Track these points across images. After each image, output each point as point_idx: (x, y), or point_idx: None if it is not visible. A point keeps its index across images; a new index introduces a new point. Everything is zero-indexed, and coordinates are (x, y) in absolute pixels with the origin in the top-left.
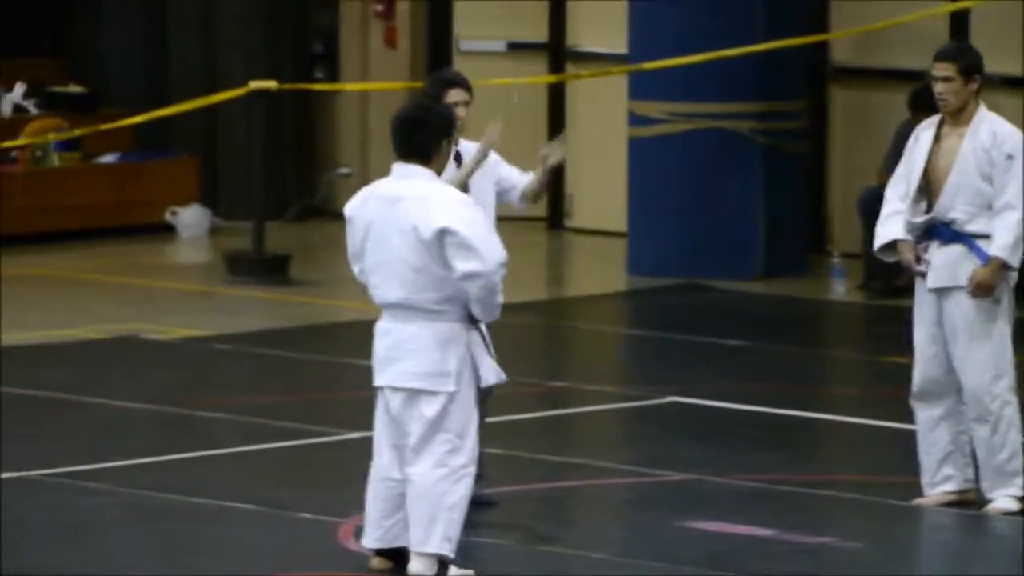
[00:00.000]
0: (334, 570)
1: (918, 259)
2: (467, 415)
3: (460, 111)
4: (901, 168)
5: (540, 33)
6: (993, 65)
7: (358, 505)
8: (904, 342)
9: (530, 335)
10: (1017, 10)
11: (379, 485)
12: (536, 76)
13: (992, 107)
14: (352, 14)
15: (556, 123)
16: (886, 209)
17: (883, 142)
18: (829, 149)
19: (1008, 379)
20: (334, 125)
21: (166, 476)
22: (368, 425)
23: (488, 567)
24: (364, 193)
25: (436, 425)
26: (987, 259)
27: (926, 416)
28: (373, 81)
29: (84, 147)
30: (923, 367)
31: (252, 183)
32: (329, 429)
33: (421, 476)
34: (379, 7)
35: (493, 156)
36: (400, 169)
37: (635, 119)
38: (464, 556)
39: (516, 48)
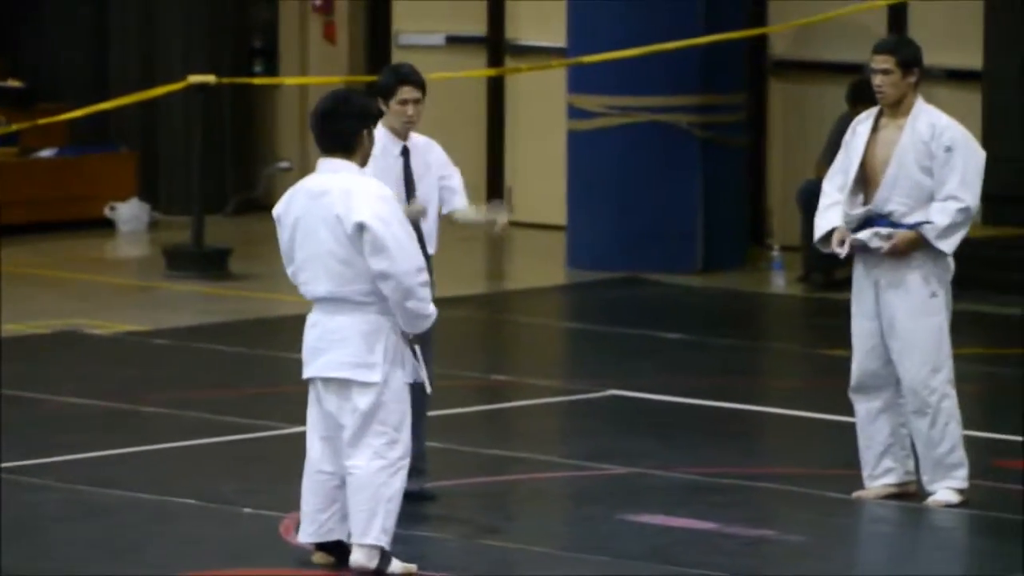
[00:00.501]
0: (276, 564)
1: (842, 240)
2: (402, 408)
3: (410, 109)
4: (839, 161)
5: (479, 27)
6: (933, 58)
7: (300, 500)
8: (844, 335)
9: (470, 329)
10: (954, 3)
11: (312, 479)
12: (475, 70)
13: (932, 100)
14: (291, 8)
15: (495, 117)
16: (824, 201)
17: (822, 135)
18: (768, 142)
19: (945, 372)
20: (273, 119)
21: (108, 471)
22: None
23: (429, 561)
24: (290, 191)
25: (371, 417)
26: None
27: (865, 409)
28: (312, 75)
29: (22, 142)
30: (861, 360)
31: (191, 177)
32: (270, 423)
33: (359, 468)
34: (318, 2)
35: (439, 153)
36: (325, 164)
37: (574, 113)
38: (405, 550)
39: (455, 42)
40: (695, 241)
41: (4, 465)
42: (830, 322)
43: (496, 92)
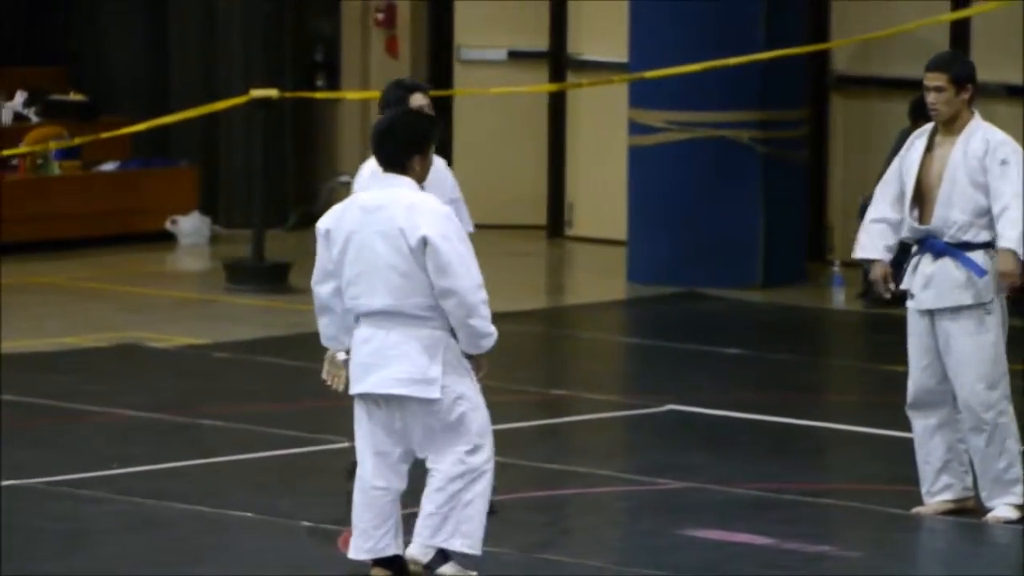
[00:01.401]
0: None
1: (886, 279)
2: (482, 415)
3: None
4: (891, 171)
5: (541, 41)
6: (993, 74)
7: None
8: (903, 350)
9: (530, 343)
10: (1017, 18)
11: (365, 495)
12: (537, 84)
13: (992, 116)
14: (353, 22)
15: (557, 131)
16: (873, 212)
17: (884, 150)
18: (830, 158)
19: (1002, 388)
20: (334, 133)
21: (166, 484)
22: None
23: (487, 575)
24: (341, 206)
25: (453, 430)
26: (982, 273)
27: (922, 425)
28: (374, 89)
29: (84, 155)
30: (916, 377)
31: (252, 191)
32: (329, 437)
33: (439, 472)
34: (380, 15)
35: (450, 176)
36: (381, 179)
37: (635, 128)
38: (463, 563)
39: (517, 56)
40: (755, 256)
41: (63, 477)
42: (889, 338)
43: (557, 107)
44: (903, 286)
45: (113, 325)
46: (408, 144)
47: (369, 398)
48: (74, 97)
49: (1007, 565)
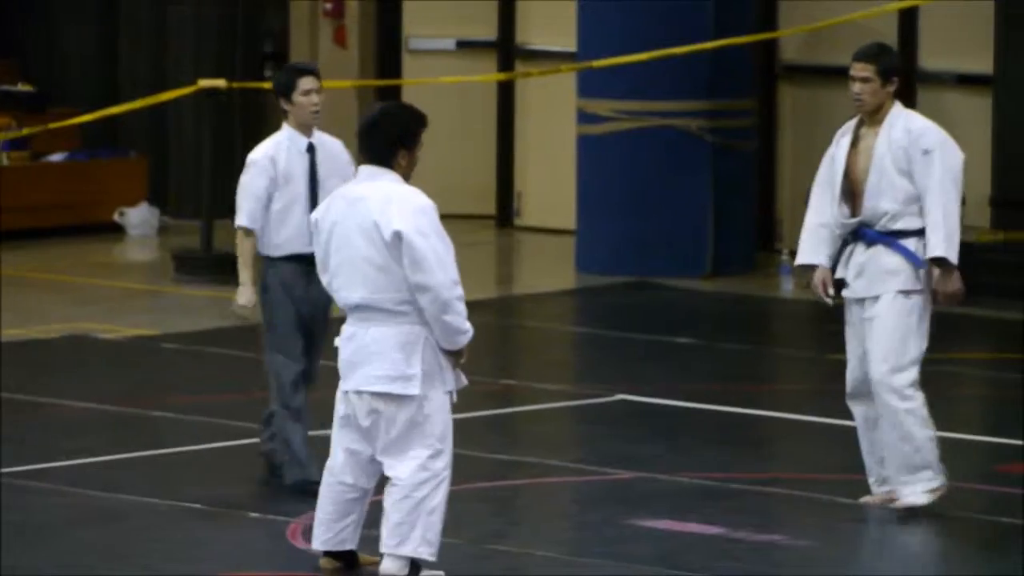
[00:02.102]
0: (283, 569)
1: (825, 285)
2: (444, 419)
3: (314, 97)
4: (823, 173)
5: (490, 31)
6: (941, 62)
7: (307, 504)
8: None
9: (479, 333)
10: (965, 7)
11: (332, 488)
12: (485, 74)
13: (940, 104)
14: (302, 13)
15: (505, 121)
16: (815, 217)
17: (831, 140)
18: (778, 147)
19: (909, 374)
20: (283, 124)
21: (116, 475)
22: (316, 424)
23: (438, 566)
24: (330, 197)
25: (417, 428)
26: (918, 260)
27: (862, 415)
28: (322, 80)
29: (33, 146)
30: (854, 367)
31: (201, 182)
32: None
33: (401, 480)
34: (328, 6)
35: (347, 155)
36: (365, 171)
37: (584, 117)
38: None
39: (465, 46)
40: (704, 245)
41: (12, 470)
42: (839, 327)
43: (506, 97)
44: (837, 275)
45: (62, 316)
46: (393, 138)
47: (351, 395)
48: (22, 88)
49: (954, 554)
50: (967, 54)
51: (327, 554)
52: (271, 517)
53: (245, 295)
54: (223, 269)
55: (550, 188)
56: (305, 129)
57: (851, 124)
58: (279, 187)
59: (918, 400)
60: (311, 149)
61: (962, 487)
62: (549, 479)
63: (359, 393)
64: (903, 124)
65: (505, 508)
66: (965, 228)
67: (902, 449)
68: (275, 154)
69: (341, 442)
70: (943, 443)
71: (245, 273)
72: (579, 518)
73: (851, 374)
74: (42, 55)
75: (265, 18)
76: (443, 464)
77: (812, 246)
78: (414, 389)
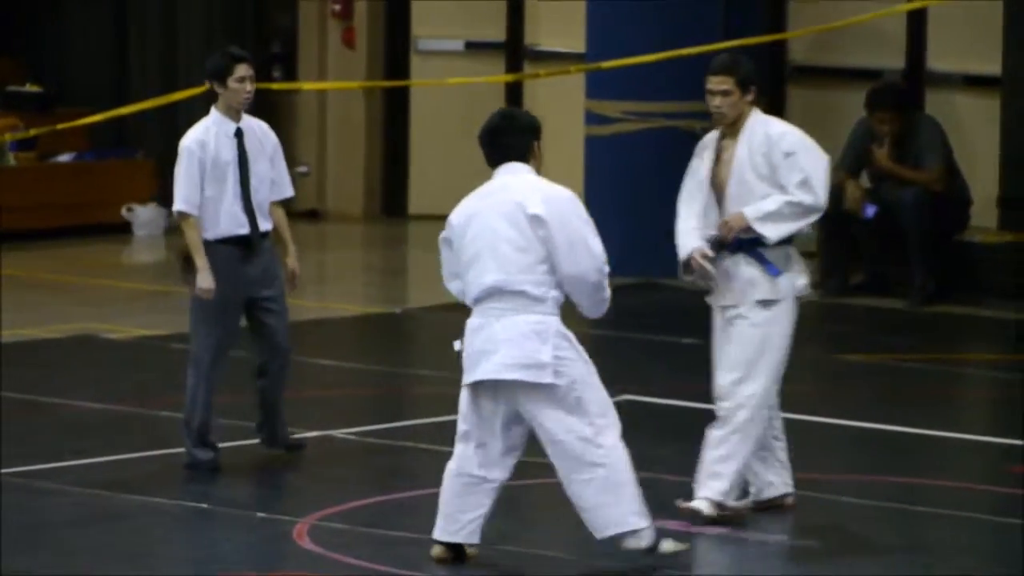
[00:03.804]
0: (291, 569)
1: (704, 257)
2: (600, 394)
3: (248, 85)
4: (687, 187)
5: (498, 32)
6: (950, 63)
7: (315, 504)
8: (858, 340)
9: None
10: (973, 8)
11: (458, 479)
12: (494, 75)
13: (950, 105)
14: (310, 14)
15: None
16: (681, 225)
17: (840, 141)
18: None
19: (754, 386)
20: (292, 124)
21: (124, 475)
22: (323, 424)
23: (443, 566)
24: (462, 202)
25: (575, 411)
26: (776, 271)
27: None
28: (331, 80)
29: (41, 147)
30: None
31: None
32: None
33: (606, 462)
34: (337, 7)
35: (274, 139)
36: (503, 168)
37: (593, 118)
38: (415, 553)
39: (474, 47)
40: None
41: (18, 469)
42: (845, 327)
43: (514, 97)
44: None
45: (69, 317)
46: (528, 131)
47: (480, 387)
48: (31, 88)
49: (963, 554)
50: (975, 55)
51: (440, 543)
52: (277, 517)
53: (206, 279)
54: None
55: None
56: (234, 114)
57: (713, 136)
58: (208, 171)
59: (759, 420)
60: (239, 133)
61: (970, 488)
62: (554, 479)
63: (495, 383)
64: (762, 130)
65: (512, 509)
66: (972, 229)
67: (714, 452)
68: (204, 138)
69: (471, 436)
70: (951, 443)
71: (200, 258)
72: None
73: (718, 378)
74: (50, 55)
75: (274, 19)
76: (612, 439)
77: (689, 238)
78: (547, 377)
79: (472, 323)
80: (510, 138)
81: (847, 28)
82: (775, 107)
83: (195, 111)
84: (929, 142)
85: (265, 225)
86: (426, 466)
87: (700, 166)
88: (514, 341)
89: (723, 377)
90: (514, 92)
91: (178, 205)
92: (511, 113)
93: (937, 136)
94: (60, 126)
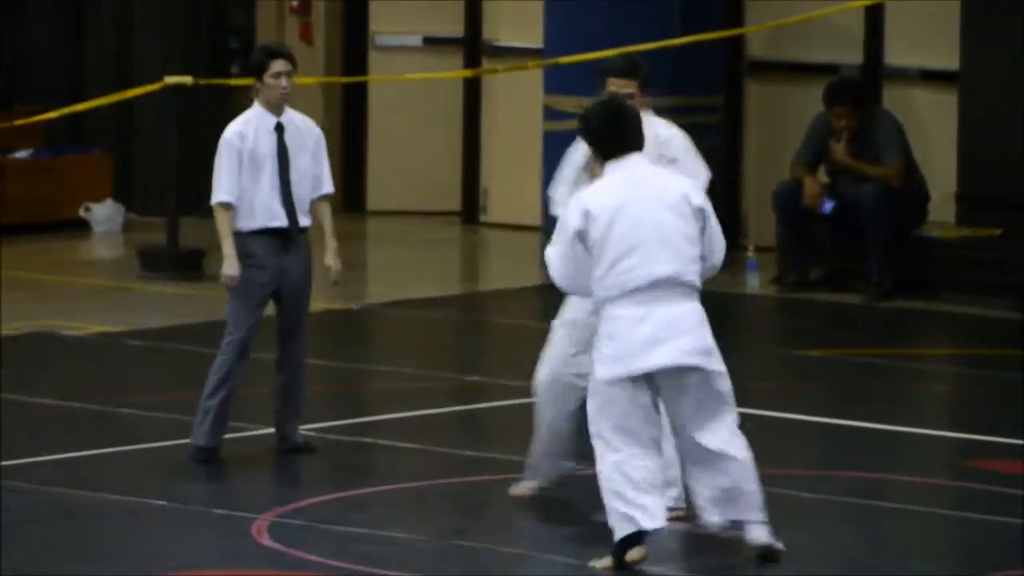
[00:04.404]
0: (248, 566)
1: None
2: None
3: (284, 81)
4: (568, 176)
5: (456, 28)
6: (908, 59)
7: (274, 501)
8: (818, 335)
9: (446, 330)
10: (931, 3)
11: (640, 472)
12: (452, 71)
13: (908, 100)
14: (268, 9)
15: (472, 117)
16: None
17: (798, 136)
18: (744, 144)
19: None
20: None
21: (81, 472)
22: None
23: (400, 562)
24: (593, 190)
25: (728, 402)
26: None
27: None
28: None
29: None
30: (555, 364)
31: (166, 178)
32: (243, 424)
33: (740, 454)
34: (295, 3)
35: (318, 135)
36: (623, 162)
37: (551, 113)
38: (376, 550)
39: (432, 43)
40: None
41: None
42: (804, 323)
43: (472, 93)
44: None
45: (27, 313)
46: (639, 126)
47: (642, 378)
48: None
49: (924, 549)
50: (933, 50)
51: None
52: (236, 514)
53: (231, 267)
54: (188, 265)
55: (516, 185)
56: (274, 108)
57: None
58: (246, 163)
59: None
60: (279, 128)
61: (929, 482)
62: (514, 475)
63: (658, 374)
64: (652, 132)
65: (470, 504)
66: (930, 224)
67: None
68: (244, 131)
69: (641, 432)
70: (910, 438)
71: (228, 246)
72: (544, 514)
73: (561, 369)
74: (6, 51)
75: (231, 15)
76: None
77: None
78: (717, 364)
79: (628, 313)
80: (631, 131)
81: (805, 23)
82: (733, 102)
83: (151, 107)
84: (887, 137)
85: (304, 221)
86: (385, 462)
87: (578, 158)
88: (692, 329)
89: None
90: (472, 88)
91: (219, 196)
92: (622, 104)
93: (895, 131)
94: (17, 123)
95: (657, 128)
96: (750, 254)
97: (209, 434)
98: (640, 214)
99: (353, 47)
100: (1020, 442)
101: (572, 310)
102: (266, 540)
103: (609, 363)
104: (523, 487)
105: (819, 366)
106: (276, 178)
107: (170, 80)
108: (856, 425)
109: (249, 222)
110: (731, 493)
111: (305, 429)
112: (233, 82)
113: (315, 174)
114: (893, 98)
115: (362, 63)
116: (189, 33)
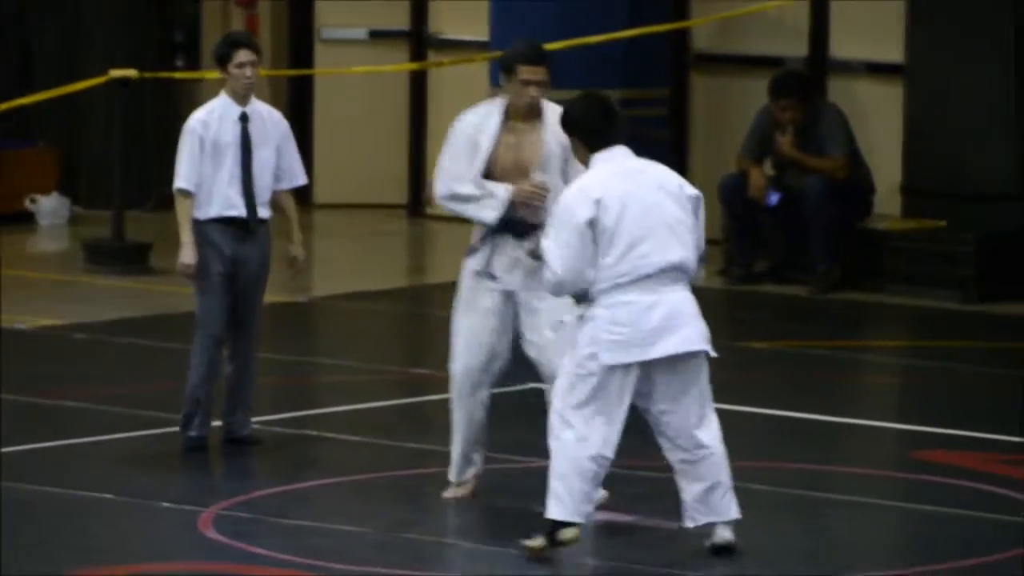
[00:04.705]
0: (196, 559)
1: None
2: None
3: (247, 71)
4: (461, 148)
5: (402, 21)
6: (853, 51)
7: (220, 494)
8: (763, 327)
9: (391, 322)
10: None
11: (590, 463)
12: (398, 64)
13: (853, 93)
14: (213, 2)
15: (418, 110)
16: (467, 190)
17: (743, 129)
18: (690, 136)
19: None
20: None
21: (24, 466)
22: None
23: (344, 555)
24: (596, 180)
25: (708, 389)
26: None
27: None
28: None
29: None
30: (474, 354)
31: (112, 172)
32: None
33: (716, 445)
34: None
35: (284, 126)
36: (611, 154)
37: None
38: (323, 543)
39: (378, 36)
40: None
41: None
42: (750, 315)
43: (419, 86)
44: (477, 266)
45: None
46: (624, 118)
47: (636, 365)
48: None
49: (871, 541)
50: (878, 43)
51: (570, 526)
52: (182, 507)
53: (187, 255)
54: (134, 259)
55: None
56: (239, 98)
57: (492, 110)
58: (208, 151)
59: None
60: (244, 118)
61: (874, 474)
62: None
63: (655, 362)
64: (554, 119)
65: (415, 496)
66: (876, 216)
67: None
68: (207, 119)
69: (608, 419)
70: (856, 430)
71: (185, 234)
72: (489, 506)
73: (474, 359)
74: None
75: (176, 7)
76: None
77: (492, 188)
78: (711, 349)
79: (639, 299)
80: (620, 119)
81: (750, 16)
82: (679, 95)
83: (96, 100)
84: (832, 130)
85: (263, 212)
86: (332, 455)
87: (486, 144)
88: (696, 315)
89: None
90: (419, 81)
91: (177, 182)
92: (607, 97)
93: (840, 124)
94: None
95: (557, 116)
96: None
97: (201, 425)
98: (648, 202)
99: (298, 40)
100: (965, 433)
101: (467, 302)
102: (212, 533)
103: (616, 349)
104: (458, 490)
105: (765, 358)
106: (237, 167)
107: (115, 73)
108: (802, 417)
109: (207, 210)
110: (714, 489)
111: (252, 421)
112: (178, 75)
113: (283, 166)
114: (838, 91)
115: (307, 56)
116: (134, 26)
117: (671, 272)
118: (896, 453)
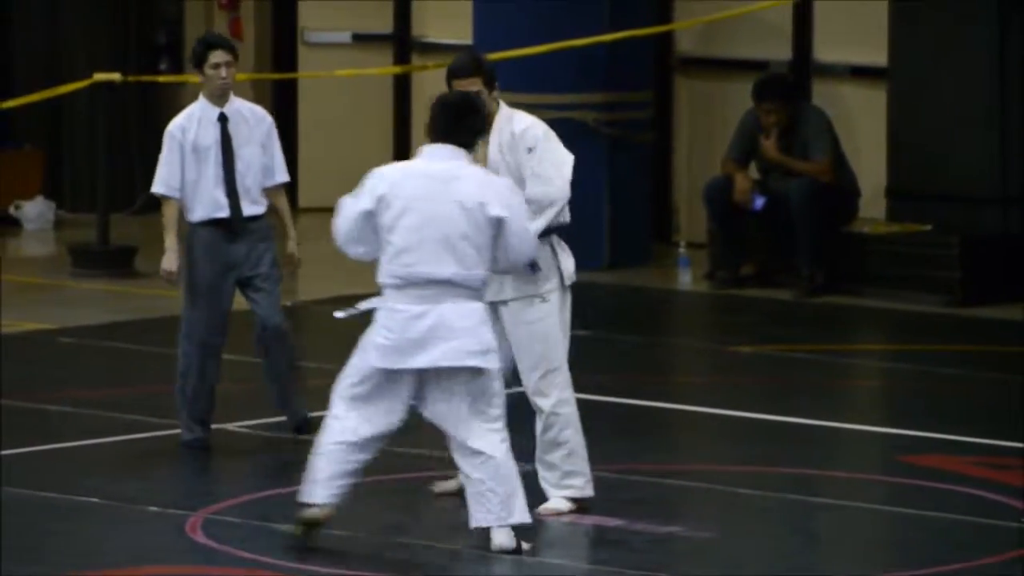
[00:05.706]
0: (182, 563)
1: None
2: (503, 390)
3: (223, 71)
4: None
5: (385, 24)
6: (837, 55)
7: (208, 498)
8: (750, 331)
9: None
10: (859, 1)
11: (337, 447)
12: (382, 67)
13: (837, 96)
14: (196, 5)
15: (402, 114)
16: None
17: (728, 132)
18: (674, 139)
19: (554, 377)
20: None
21: (11, 470)
22: (216, 417)
23: (336, 558)
24: (393, 171)
25: (497, 400)
26: (534, 269)
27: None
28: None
29: None
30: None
31: (97, 175)
32: (175, 422)
33: (496, 454)
34: None
35: (268, 124)
36: (437, 150)
37: None
38: (312, 548)
39: (361, 39)
40: (601, 238)
41: None
42: (735, 319)
43: (402, 89)
44: None
45: None
46: (480, 126)
47: (407, 372)
48: None
49: (860, 545)
50: (861, 46)
51: (311, 507)
52: (170, 511)
53: (168, 261)
54: (119, 263)
55: None
56: (217, 99)
57: None
58: (188, 155)
59: (571, 403)
60: (223, 119)
61: (860, 478)
62: (450, 472)
63: (432, 371)
64: (508, 128)
65: (407, 501)
66: (860, 219)
67: (554, 453)
68: (186, 124)
69: (369, 411)
70: (842, 434)
71: (168, 239)
72: None
73: None
74: None
75: (159, 10)
76: (504, 426)
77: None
78: (496, 363)
79: (406, 309)
80: (466, 125)
81: (734, 19)
82: (663, 98)
83: (80, 104)
84: (816, 133)
85: (252, 209)
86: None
87: None
88: (470, 329)
89: (528, 376)
90: (402, 84)
91: (156, 187)
92: (472, 102)
93: (824, 127)
94: None
95: (515, 123)
96: (681, 250)
97: (188, 429)
98: (432, 211)
99: (282, 43)
100: (952, 437)
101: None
102: (200, 537)
103: (383, 353)
104: (448, 484)
105: (750, 362)
106: (220, 168)
107: (99, 77)
108: (788, 421)
109: (196, 213)
110: (487, 493)
111: (239, 426)
112: (162, 79)
113: (266, 163)
114: (822, 94)
115: (291, 59)
116: (118, 29)
117: (443, 285)
118: (882, 457)
